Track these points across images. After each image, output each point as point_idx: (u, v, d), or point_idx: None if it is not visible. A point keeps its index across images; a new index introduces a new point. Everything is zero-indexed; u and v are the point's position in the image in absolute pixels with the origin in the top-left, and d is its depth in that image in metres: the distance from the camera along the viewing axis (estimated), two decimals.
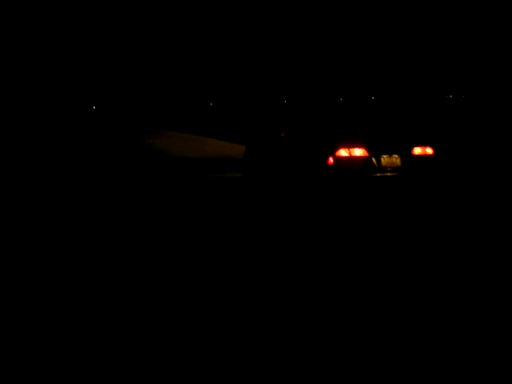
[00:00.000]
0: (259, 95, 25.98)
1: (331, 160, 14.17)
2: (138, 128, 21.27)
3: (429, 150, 14.62)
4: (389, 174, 14.22)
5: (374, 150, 14.18)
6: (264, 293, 6.87)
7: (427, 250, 9.09)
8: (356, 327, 5.65)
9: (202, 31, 29.61)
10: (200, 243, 9.46)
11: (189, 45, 29.58)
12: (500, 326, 5.51)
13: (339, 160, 14.19)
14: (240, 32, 29.66)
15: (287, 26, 29.20)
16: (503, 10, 30.59)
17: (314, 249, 9.26)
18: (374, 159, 14.14)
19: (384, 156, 14.16)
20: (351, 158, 14.20)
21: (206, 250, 9.09)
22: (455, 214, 12.14)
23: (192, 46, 29.70)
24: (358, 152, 14.20)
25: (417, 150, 14.47)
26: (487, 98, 28.10)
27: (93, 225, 10.64)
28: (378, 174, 14.12)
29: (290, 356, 4.83)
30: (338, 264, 8.24)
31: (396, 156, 14.21)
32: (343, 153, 14.18)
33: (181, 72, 29.45)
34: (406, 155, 14.29)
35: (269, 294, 6.85)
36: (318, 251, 9.07)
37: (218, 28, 29.65)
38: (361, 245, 9.56)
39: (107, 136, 21.51)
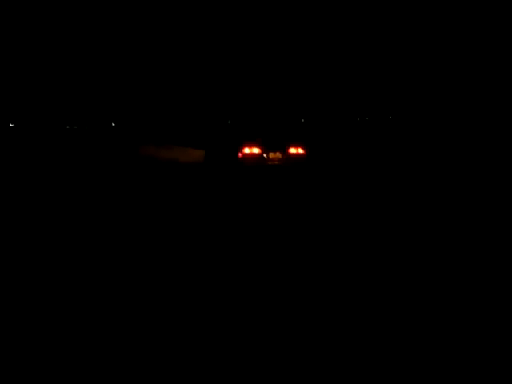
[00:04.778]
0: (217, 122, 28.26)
1: (240, 155, 19.05)
2: (141, 140, 21.88)
3: (300, 150, 19.00)
4: (275, 163, 18.66)
5: (265, 149, 18.73)
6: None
7: (303, 213, 10.23)
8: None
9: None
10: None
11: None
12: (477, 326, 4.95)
13: (244, 155, 18.86)
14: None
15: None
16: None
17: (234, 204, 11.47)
18: (265, 154, 18.70)
19: (271, 152, 18.73)
20: (251, 154, 18.71)
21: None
22: (317, 189, 14.05)
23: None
24: (255, 150, 18.75)
25: (292, 150, 18.96)
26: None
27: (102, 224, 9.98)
28: (268, 163, 18.68)
29: (288, 355, 4.48)
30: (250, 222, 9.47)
31: (278, 153, 18.74)
32: (247, 150, 18.84)
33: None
34: (285, 152, 18.83)
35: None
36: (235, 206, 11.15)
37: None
38: (256, 203, 11.55)
39: (111, 144, 22.21)
